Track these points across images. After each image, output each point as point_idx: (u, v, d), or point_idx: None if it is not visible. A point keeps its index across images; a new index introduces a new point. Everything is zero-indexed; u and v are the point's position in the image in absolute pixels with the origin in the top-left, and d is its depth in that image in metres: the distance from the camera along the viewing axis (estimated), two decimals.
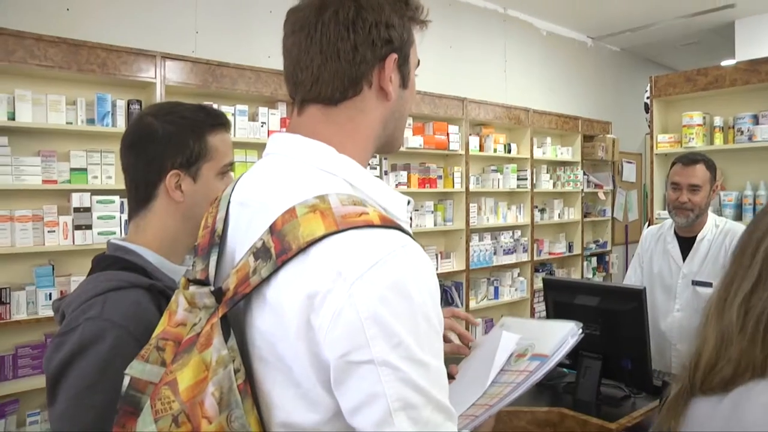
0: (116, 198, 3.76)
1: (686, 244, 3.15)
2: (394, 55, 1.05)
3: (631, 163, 8.68)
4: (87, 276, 1.38)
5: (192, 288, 1.02)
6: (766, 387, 1.20)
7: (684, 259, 3.14)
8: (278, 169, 1.06)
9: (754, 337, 1.24)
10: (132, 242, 1.42)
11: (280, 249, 0.90)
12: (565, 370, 2.87)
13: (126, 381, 1.04)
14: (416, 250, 0.92)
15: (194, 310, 1.01)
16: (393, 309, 0.86)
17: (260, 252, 0.92)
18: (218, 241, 1.08)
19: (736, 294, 1.29)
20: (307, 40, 1.02)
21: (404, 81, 1.10)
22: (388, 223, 0.92)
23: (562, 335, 1.36)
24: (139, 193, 1.45)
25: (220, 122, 1.50)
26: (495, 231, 6.38)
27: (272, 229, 0.92)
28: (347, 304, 0.85)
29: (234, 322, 0.96)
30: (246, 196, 1.08)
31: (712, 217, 3.16)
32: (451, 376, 1.33)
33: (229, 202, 1.12)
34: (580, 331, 1.37)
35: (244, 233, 1.03)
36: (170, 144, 1.41)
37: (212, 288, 0.99)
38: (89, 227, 3.70)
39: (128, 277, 1.31)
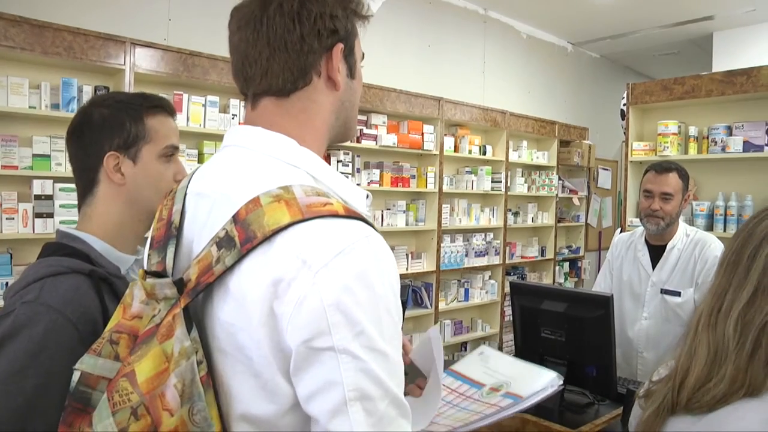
0: None
1: (656, 252, 3.14)
2: (341, 45, 1.08)
3: (606, 170, 8.70)
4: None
5: (150, 279, 1.00)
6: (755, 406, 1.16)
7: (654, 267, 3.13)
8: (239, 160, 1.06)
9: (754, 352, 1.19)
10: (80, 230, 1.42)
11: (244, 237, 0.90)
12: None
13: (76, 376, 1.01)
14: (379, 241, 0.94)
15: (151, 302, 1.00)
16: (356, 298, 0.87)
17: (224, 241, 0.92)
18: (175, 232, 1.06)
19: (731, 306, 1.25)
20: (254, 34, 1.04)
21: (351, 71, 1.13)
22: (352, 214, 0.93)
23: (542, 383, 1.40)
24: (83, 180, 1.45)
25: (158, 104, 1.49)
26: (467, 233, 6.35)
27: (236, 219, 0.93)
28: (311, 291, 0.86)
29: (193, 314, 0.95)
30: (204, 187, 1.08)
31: (683, 226, 3.15)
32: (420, 388, 1.34)
33: (185, 194, 1.11)
34: (561, 383, 1.41)
35: (203, 224, 1.02)
36: (106, 126, 1.42)
37: (170, 279, 0.97)
38: (50, 215, 3.60)
39: (69, 262, 1.29)
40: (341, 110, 1.13)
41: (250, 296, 0.89)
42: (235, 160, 1.07)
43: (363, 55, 1.17)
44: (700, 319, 1.30)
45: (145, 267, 1.09)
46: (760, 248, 1.25)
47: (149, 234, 1.17)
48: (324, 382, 0.87)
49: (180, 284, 0.95)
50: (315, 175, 1.03)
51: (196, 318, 0.95)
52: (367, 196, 1.09)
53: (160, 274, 1.02)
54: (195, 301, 0.94)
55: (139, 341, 0.96)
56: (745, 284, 1.24)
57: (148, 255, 1.08)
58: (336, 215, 0.91)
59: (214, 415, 0.89)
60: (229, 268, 0.91)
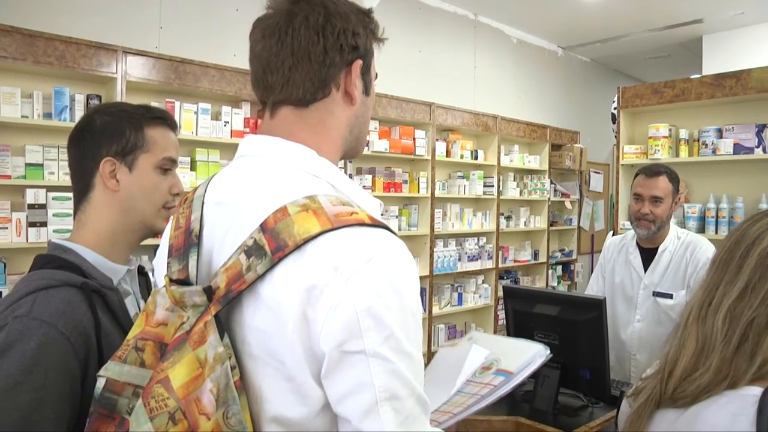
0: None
1: (648, 255, 3.15)
2: (360, 62, 1.12)
3: (598, 173, 8.73)
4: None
5: (175, 287, 1.01)
6: (731, 399, 1.19)
7: (645, 270, 3.13)
8: (259, 170, 1.08)
9: (740, 346, 1.22)
10: (72, 241, 1.42)
11: (275, 246, 0.93)
12: None
13: (101, 383, 1.04)
14: (404, 248, 0.98)
15: (177, 310, 1.02)
16: (386, 303, 0.91)
17: (252, 249, 0.94)
18: (196, 240, 1.08)
19: (721, 300, 1.28)
20: (278, 44, 1.06)
21: (366, 88, 1.17)
22: (377, 223, 0.97)
23: (530, 355, 1.47)
24: (78, 184, 1.46)
25: (160, 116, 1.51)
26: (460, 237, 6.36)
27: (264, 228, 0.95)
28: (344, 297, 0.90)
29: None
30: (224, 196, 1.10)
31: (674, 228, 3.16)
32: None
33: (203, 203, 1.12)
34: (548, 352, 1.48)
35: (224, 233, 1.05)
36: (106, 132, 1.43)
37: (200, 287, 0.99)
38: (44, 224, 3.59)
39: (60, 275, 1.29)
40: (355, 124, 1.17)
41: (284, 303, 0.92)
42: (255, 169, 1.09)
43: (377, 75, 1.20)
44: (690, 313, 1.33)
45: (166, 274, 1.09)
46: (753, 247, 1.28)
47: (165, 242, 1.18)
48: (355, 384, 0.90)
49: (209, 291, 0.96)
50: (335, 185, 1.06)
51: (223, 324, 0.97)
52: (380, 205, 1.13)
53: (184, 282, 1.03)
54: (223, 308, 0.97)
55: (170, 348, 0.97)
56: (736, 280, 1.27)
57: (168, 263, 1.09)
58: (362, 224, 0.95)
59: (247, 418, 0.92)
60: (261, 276, 0.93)
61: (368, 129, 1.25)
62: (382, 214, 4.13)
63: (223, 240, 1.04)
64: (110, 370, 1.03)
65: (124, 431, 0.98)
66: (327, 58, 1.07)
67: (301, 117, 1.10)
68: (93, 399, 1.03)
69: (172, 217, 1.20)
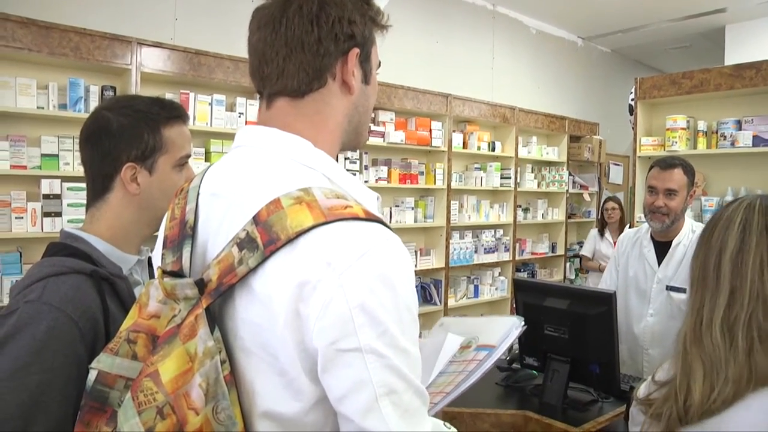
0: None
1: (662, 248, 3.11)
2: (357, 50, 1.09)
3: (618, 165, 8.65)
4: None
5: (168, 279, 1.00)
6: (761, 396, 1.19)
7: (659, 263, 3.10)
8: (254, 161, 1.07)
9: (751, 348, 1.21)
10: (84, 231, 1.44)
11: (267, 239, 0.91)
12: (534, 372, 2.83)
13: (93, 375, 1.03)
14: (398, 243, 0.96)
15: (169, 302, 1.01)
16: (380, 299, 0.90)
17: (245, 242, 0.93)
18: (191, 232, 1.06)
19: (711, 316, 1.28)
20: (273, 34, 1.05)
21: (366, 77, 1.14)
22: (372, 217, 0.95)
23: (506, 327, 1.46)
24: (96, 185, 1.46)
25: (175, 114, 1.50)
26: (476, 229, 6.35)
27: (256, 220, 0.94)
28: (337, 293, 0.88)
29: (213, 313, 0.96)
30: (219, 187, 1.08)
31: (689, 222, 3.12)
32: None
33: (198, 194, 1.11)
34: (523, 323, 1.47)
35: (219, 224, 1.03)
36: (124, 137, 1.42)
37: (192, 279, 0.98)
38: (59, 214, 3.64)
39: (71, 263, 1.31)
40: (354, 114, 1.14)
41: (275, 298, 0.90)
42: (250, 160, 1.08)
43: (379, 63, 1.18)
44: (685, 338, 1.33)
45: (159, 266, 1.09)
46: (721, 256, 1.30)
47: (161, 233, 1.18)
48: (354, 383, 0.89)
49: (200, 284, 0.95)
50: (330, 177, 1.04)
51: (216, 317, 0.96)
52: (378, 198, 1.10)
53: (177, 274, 1.02)
54: (215, 301, 0.96)
55: (161, 341, 0.96)
56: (718, 293, 1.28)
57: (162, 254, 1.08)
58: (357, 218, 0.93)
59: (237, 414, 0.91)
60: (252, 270, 0.92)
61: (370, 119, 1.23)
62: (397, 205, 4.13)
63: (218, 232, 1.02)
64: (102, 362, 1.03)
65: (115, 424, 0.97)
66: (321, 48, 1.05)
67: (296, 108, 1.08)
68: (85, 391, 1.03)
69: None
